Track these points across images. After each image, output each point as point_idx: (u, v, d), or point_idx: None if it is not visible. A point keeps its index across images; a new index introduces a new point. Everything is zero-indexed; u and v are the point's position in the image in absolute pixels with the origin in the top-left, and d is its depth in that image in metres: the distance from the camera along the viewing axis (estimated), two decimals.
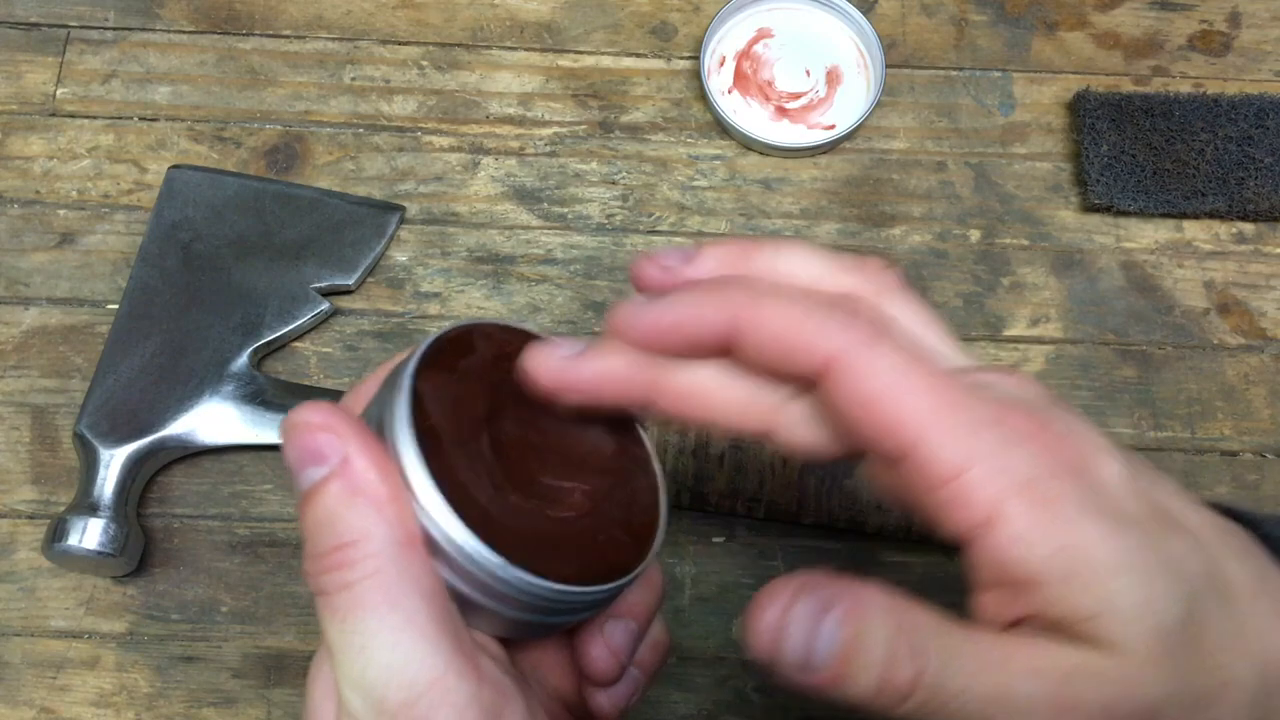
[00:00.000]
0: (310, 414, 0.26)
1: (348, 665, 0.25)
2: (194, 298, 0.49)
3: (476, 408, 0.27)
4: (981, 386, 0.26)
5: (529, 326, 0.30)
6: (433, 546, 0.26)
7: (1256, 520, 0.27)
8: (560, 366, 0.27)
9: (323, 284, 0.50)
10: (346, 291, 0.51)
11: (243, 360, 0.48)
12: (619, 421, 0.30)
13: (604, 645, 0.31)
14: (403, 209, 0.53)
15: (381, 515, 0.25)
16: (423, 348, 0.27)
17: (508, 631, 0.28)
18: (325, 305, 0.50)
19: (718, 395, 0.27)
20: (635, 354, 0.27)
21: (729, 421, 0.28)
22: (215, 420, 0.47)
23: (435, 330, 0.28)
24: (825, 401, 0.26)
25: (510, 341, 0.29)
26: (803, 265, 0.28)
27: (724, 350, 0.26)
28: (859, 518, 0.45)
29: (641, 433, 0.30)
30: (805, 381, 0.26)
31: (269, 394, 0.48)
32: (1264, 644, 0.25)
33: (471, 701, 0.25)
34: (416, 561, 0.26)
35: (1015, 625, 0.25)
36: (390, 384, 0.27)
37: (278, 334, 0.49)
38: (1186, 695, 0.24)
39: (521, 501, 0.27)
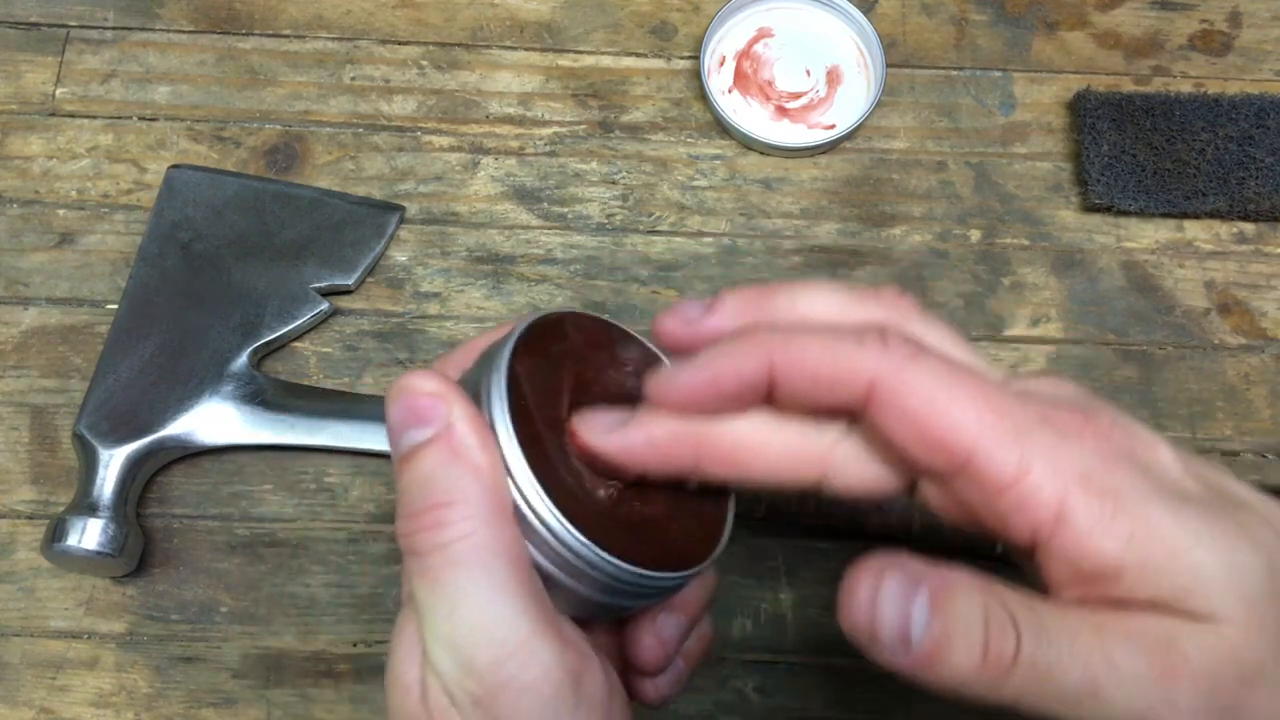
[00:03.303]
0: (421, 380, 0.27)
1: (437, 624, 0.26)
2: (194, 298, 0.49)
3: (566, 394, 0.28)
4: (1021, 392, 0.26)
5: (618, 323, 0.31)
6: (521, 520, 0.27)
7: None
8: (607, 439, 0.28)
9: (322, 284, 0.50)
10: (346, 291, 0.51)
11: (242, 360, 0.48)
12: None
13: (655, 635, 0.32)
14: (402, 209, 0.53)
15: (479, 481, 0.26)
16: (521, 328, 0.28)
17: (578, 610, 0.29)
18: (325, 305, 0.50)
19: (765, 448, 0.27)
20: (677, 419, 0.27)
21: (780, 474, 0.27)
22: (215, 420, 0.47)
23: (532, 313, 0.29)
24: (873, 428, 0.26)
25: (601, 332, 0.30)
26: (822, 302, 0.27)
27: (763, 398, 0.26)
28: (859, 518, 0.45)
29: None
30: (849, 413, 0.26)
31: (268, 394, 0.48)
32: None
33: (557, 663, 0.26)
34: (508, 529, 0.27)
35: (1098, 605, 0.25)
36: (487, 361, 0.28)
37: (277, 334, 0.49)
38: None
39: (605, 488, 0.28)
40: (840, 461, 0.27)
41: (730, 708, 0.45)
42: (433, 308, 0.51)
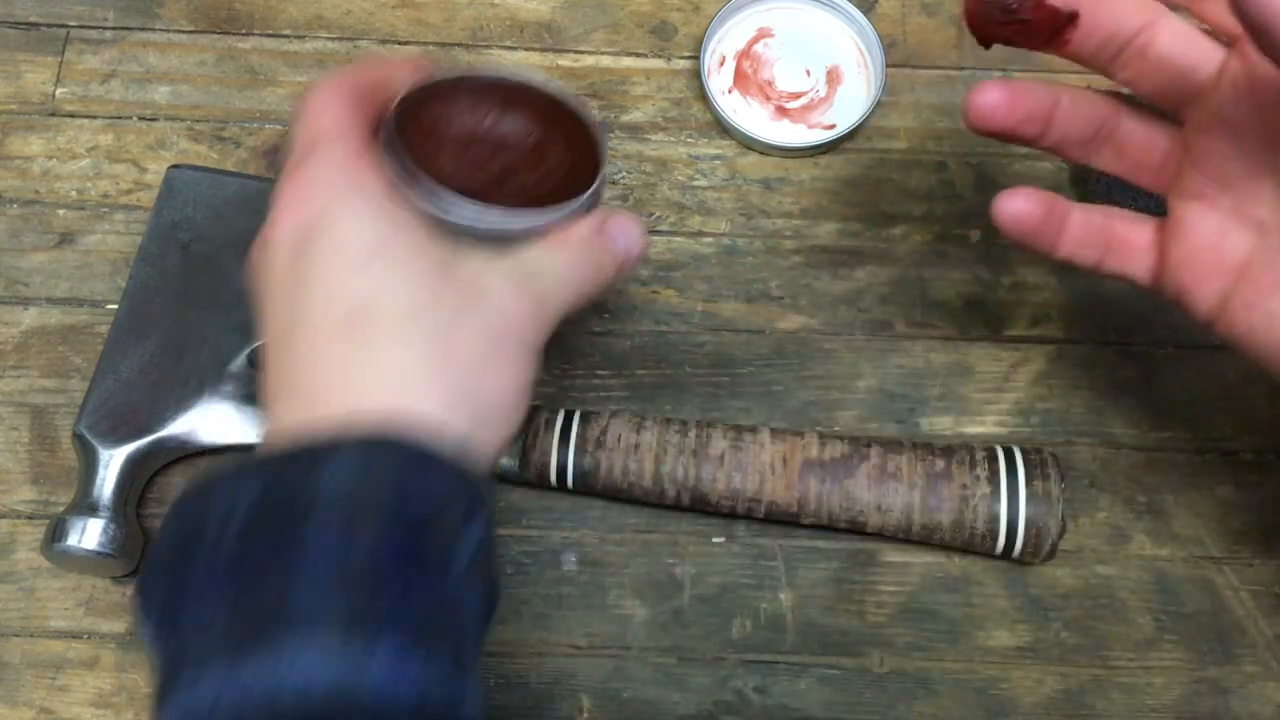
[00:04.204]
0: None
1: (280, 184, 0.35)
2: (194, 298, 0.49)
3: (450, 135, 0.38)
4: None
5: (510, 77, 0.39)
6: (417, 189, 0.35)
7: None
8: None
9: None
10: None
11: (242, 360, 0.48)
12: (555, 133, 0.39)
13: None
14: None
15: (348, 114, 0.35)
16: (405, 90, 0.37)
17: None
18: None
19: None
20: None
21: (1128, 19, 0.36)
22: (215, 420, 0.47)
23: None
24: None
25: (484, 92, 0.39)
26: None
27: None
28: (860, 518, 0.45)
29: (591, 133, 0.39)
30: None
31: None
32: None
33: (366, 227, 0.33)
34: (358, 144, 0.35)
35: None
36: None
37: None
38: None
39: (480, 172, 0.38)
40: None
41: (730, 708, 0.45)
42: None
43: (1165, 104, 0.38)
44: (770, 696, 0.45)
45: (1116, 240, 0.40)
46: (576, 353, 0.51)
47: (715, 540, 0.48)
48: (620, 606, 0.47)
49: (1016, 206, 0.38)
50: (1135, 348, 0.51)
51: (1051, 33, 0.36)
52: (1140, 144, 0.39)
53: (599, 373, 0.50)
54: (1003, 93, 0.37)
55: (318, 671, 0.26)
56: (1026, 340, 0.51)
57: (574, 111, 0.39)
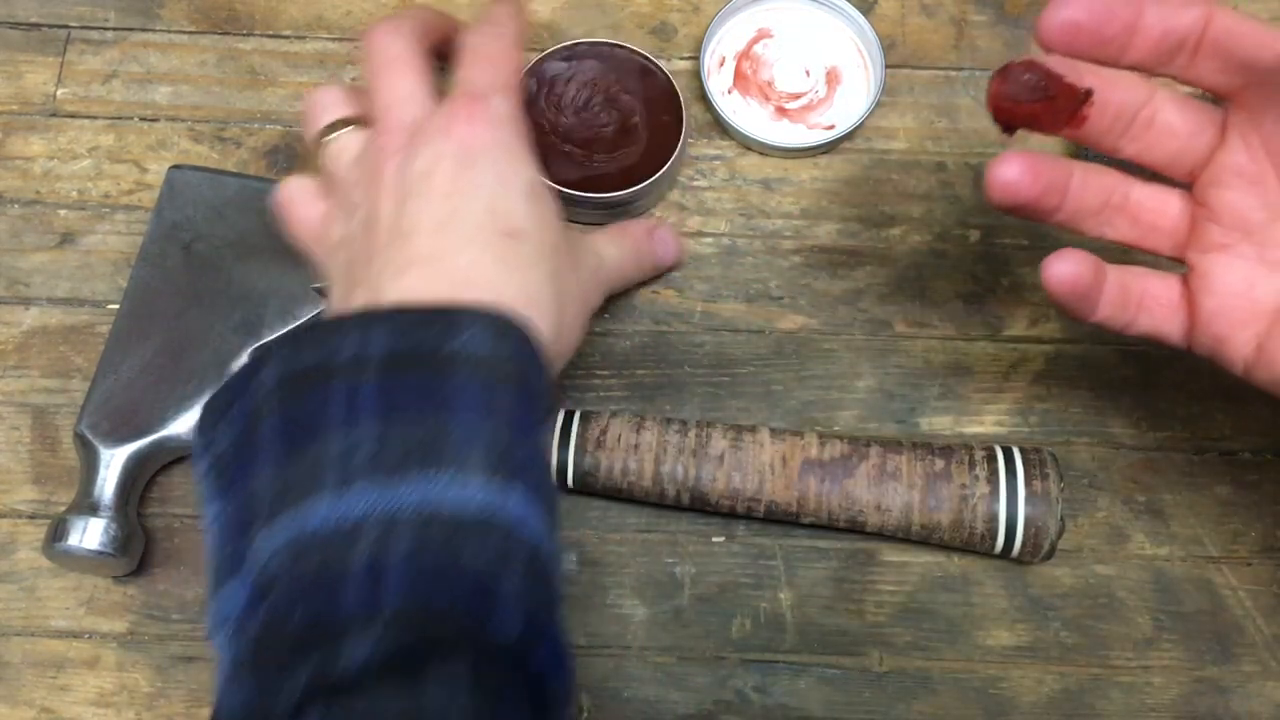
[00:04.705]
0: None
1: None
2: (194, 298, 0.49)
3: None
4: None
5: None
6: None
7: None
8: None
9: (323, 284, 0.50)
10: None
11: (243, 360, 0.48)
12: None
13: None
14: None
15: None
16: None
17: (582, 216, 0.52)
18: (325, 305, 0.50)
19: (1128, 77, 0.38)
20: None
21: (1135, 94, 0.38)
22: None
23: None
24: (1207, 50, 0.35)
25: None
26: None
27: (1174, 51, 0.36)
28: (859, 518, 0.45)
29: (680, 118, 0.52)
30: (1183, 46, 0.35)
31: None
32: None
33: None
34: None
35: None
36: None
37: (278, 334, 0.49)
38: None
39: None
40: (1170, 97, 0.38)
41: (730, 707, 0.45)
42: None
43: (1174, 172, 0.39)
44: (770, 696, 0.46)
45: (1149, 298, 0.40)
46: (576, 353, 0.51)
47: (715, 540, 0.48)
48: (620, 606, 0.47)
49: (1066, 271, 0.38)
50: (1134, 347, 0.51)
51: (1072, 111, 0.37)
52: (1153, 210, 0.40)
53: (599, 373, 0.50)
54: (1023, 164, 0.37)
55: (471, 494, 0.31)
56: (1025, 340, 0.51)
57: (667, 86, 0.52)
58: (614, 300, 0.51)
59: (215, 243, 0.51)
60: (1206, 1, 0.35)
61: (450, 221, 0.36)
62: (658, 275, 0.51)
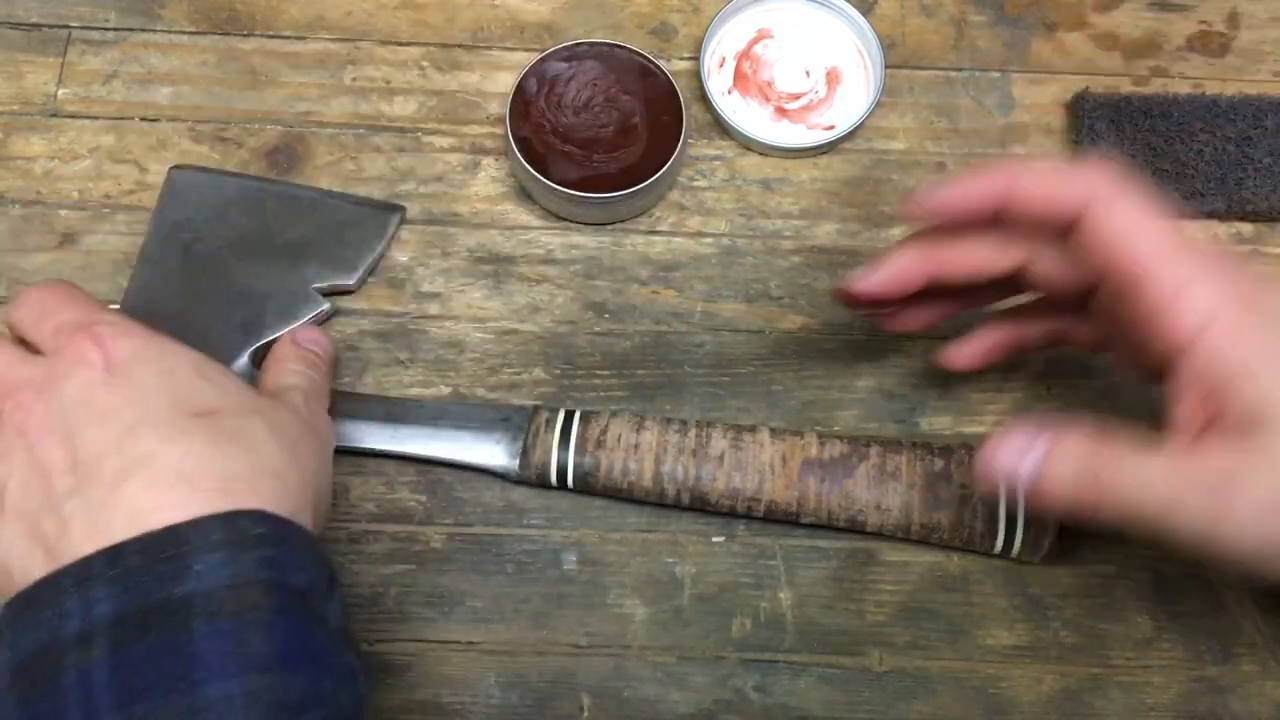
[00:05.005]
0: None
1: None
2: (195, 298, 0.49)
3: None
4: (1193, 241, 0.33)
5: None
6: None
7: None
8: (865, 278, 0.41)
9: (323, 284, 0.50)
10: (348, 292, 0.51)
11: (244, 360, 0.48)
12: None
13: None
14: (403, 209, 0.53)
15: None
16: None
17: (585, 214, 0.52)
18: (326, 305, 0.50)
19: (984, 249, 0.39)
20: (921, 245, 0.40)
21: (994, 265, 0.39)
22: None
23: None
24: (1077, 241, 0.34)
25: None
26: (1039, 168, 0.36)
27: (995, 216, 0.36)
28: (859, 518, 0.45)
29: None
30: (1062, 228, 0.35)
31: None
32: None
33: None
34: None
35: (1202, 432, 0.32)
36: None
37: (279, 334, 0.49)
38: None
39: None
40: (1040, 258, 0.38)
41: (730, 706, 0.45)
42: (433, 308, 0.51)
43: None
44: (770, 695, 0.46)
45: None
46: (576, 352, 0.51)
47: (715, 539, 0.48)
48: (620, 606, 0.47)
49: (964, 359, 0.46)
50: None
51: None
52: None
53: (599, 373, 0.50)
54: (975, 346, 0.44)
55: None
56: None
57: (667, 86, 0.52)
58: (614, 300, 0.52)
59: (215, 243, 0.50)
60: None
61: (136, 429, 0.33)
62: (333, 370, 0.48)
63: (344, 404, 0.48)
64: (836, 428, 0.50)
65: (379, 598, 0.47)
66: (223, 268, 0.50)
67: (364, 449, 0.48)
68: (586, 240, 0.53)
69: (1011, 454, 0.36)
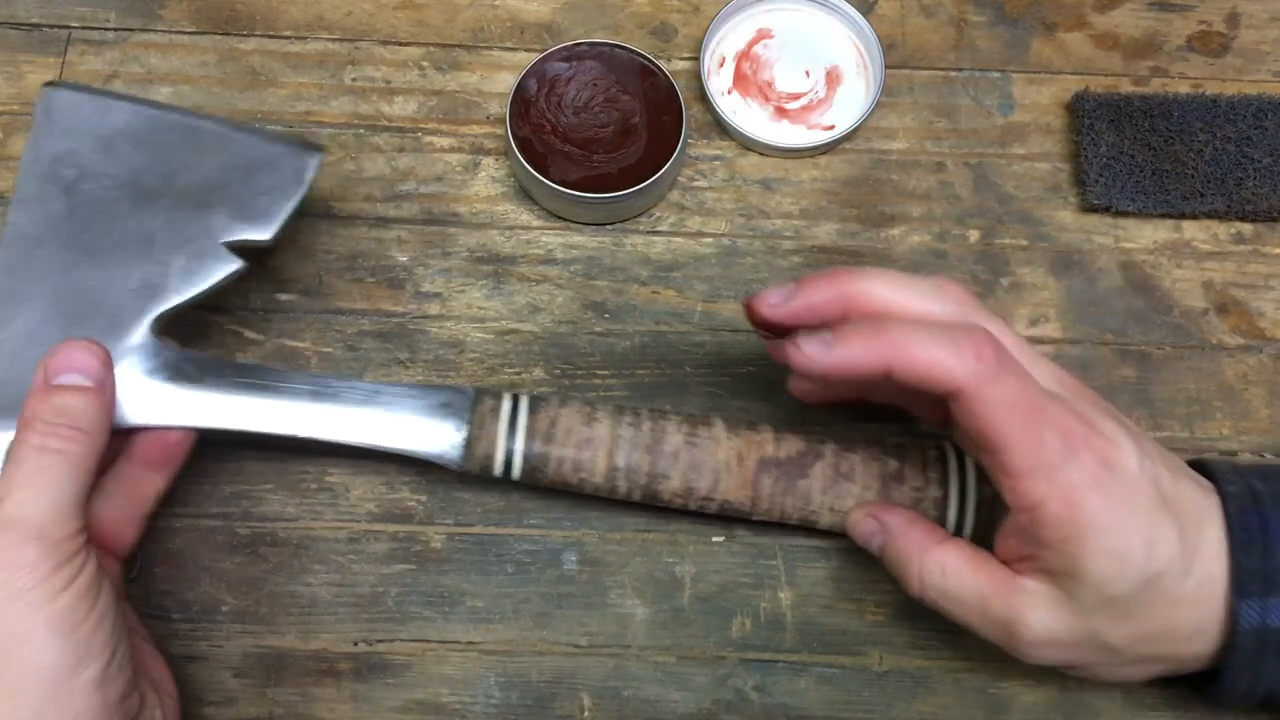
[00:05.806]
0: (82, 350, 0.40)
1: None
2: (83, 251, 0.42)
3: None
4: (1055, 399, 0.37)
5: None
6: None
7: (1217, 478, 0.39)
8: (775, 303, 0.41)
9: (235, 238, 0.43)
10: (265, 248, 0.44)
11: (145, 329, 0.42)
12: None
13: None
14: (323, 149, 0.46)
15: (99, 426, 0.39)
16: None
17: (586, 214, 0.53)
18: (239, 265, 0.43)
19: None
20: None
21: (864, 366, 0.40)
22: (119, 399, 0.41)
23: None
24: (952, 409, 0.37)
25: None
26: (890, 292, 0.39)
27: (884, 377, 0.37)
28: (811, 517, 0.44)
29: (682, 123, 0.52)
30: (937, 398, 0.37)
31: (181, 369, 0.42)
32: (1198, 612, 0.37)
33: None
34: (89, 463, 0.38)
35: (1019, 562, 0.39)
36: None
37: (185, 297, 0.42)
38: (1127, 638, 0.38)
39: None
40: (917, 403, 0.44)
41: (730, 706, 0.45)
42: (433, 308, 0.51)
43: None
44: (770, 695, 0.46)
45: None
46: (576, 352, 0.51)
47: (715, 539, 0.48)
48: (620, 606, 0.47)
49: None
50: (1133, 347, 0.51)
51: None
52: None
53: (599, 373, 0.50)
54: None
55: None
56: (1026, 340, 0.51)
57: (667, 86, 0.52)
58: (614, 300, 0.52)
59: (105, 183, 0.43)
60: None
61: None
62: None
63: (263, 380, 0.43)
64: (836, 427, 0.49)
65: (380, 597, 0.47)
66: (115, 214, 0.42)
67: (285, 435, 0.42)
68: (586, 240, 0.53)
69: (866, 535, 0.44)
